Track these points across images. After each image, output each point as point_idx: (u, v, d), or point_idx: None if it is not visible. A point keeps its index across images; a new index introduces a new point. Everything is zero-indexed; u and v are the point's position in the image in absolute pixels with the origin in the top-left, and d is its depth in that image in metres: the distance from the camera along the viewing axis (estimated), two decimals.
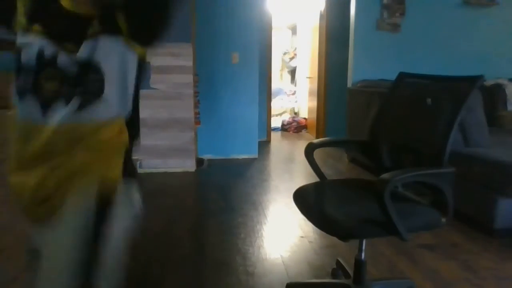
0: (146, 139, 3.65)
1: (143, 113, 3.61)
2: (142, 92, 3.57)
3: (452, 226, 2.38)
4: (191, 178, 3.60)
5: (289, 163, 4.42)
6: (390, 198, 1.16)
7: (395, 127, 1.64)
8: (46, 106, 0.77)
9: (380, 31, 4.13)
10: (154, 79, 3.60)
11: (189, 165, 3.76)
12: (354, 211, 1.35)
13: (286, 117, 6.71)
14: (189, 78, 3.67)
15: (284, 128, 6.41)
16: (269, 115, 5.41)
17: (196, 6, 3.83)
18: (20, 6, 0.81)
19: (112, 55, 0.79)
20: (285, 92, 7.55)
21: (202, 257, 2.03)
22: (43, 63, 0.77)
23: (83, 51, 0.77)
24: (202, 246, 2.17)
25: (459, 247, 2.14)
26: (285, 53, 7.87)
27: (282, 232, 2.37)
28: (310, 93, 5.94)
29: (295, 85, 7.60)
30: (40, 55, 0.77)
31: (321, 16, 5.26)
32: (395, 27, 4.14)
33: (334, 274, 1.82)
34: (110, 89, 0.79)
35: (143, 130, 3.60)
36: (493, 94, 3.60)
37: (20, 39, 0.81)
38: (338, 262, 1.84)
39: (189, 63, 3.65)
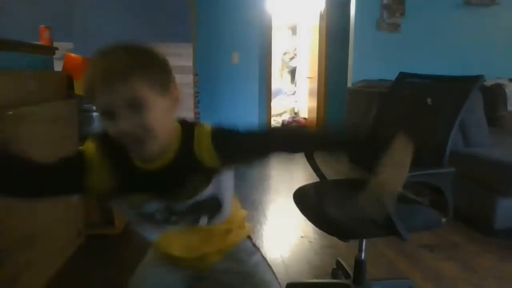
0: None
1: None
2: None
3: (452, 226, 2.38)
4: None
5: (289, 163, 4.41)
6: None
7: (395, 127, 1.64)
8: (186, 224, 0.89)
9: (380, 31, 4.12)
10: None
11: None
12: (354, 211, 1.35)
13: (286, 117, 6.71)
14: (189, 78, 3.67)
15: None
16: (269, 115, 5.41)
17: (196, 7, 3.84)
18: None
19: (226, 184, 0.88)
20: (285, 92, 7.55)
21: None
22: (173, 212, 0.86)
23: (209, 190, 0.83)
24: None
25: (459, 247, 2.14)
26: (285, 53, 7.86)
27: (282, 232, 2.37)
28: (310, 93, 5.93)
29: (295, 85, 7.60)
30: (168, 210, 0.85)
31: (321, 16, 5.26)
32: (395, 27, 4.14)
33: (334, 274, 1.82)
34: (225, 205, 0.89)
35: None
36: (493, 94, 3.60)
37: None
38: (338, 262, 1.84)
39: (189, 63, 3.65)
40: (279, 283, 0.98)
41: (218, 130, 0.80)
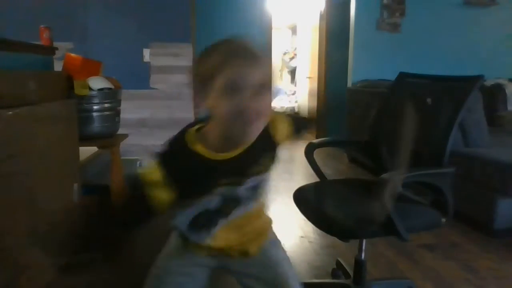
0: (146, 139, 3.65)
1: (143, 113, 3.61)
2: (142, 92, 3.58)
3: (452, 226, 2.38)
4: None
5: (289, 163, 4.41)
6: None
7: (395, 127, 1.64)
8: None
9: (380, 31, 4.13)
10: (154, 79, 3.60)
11: None
12: (354, 211, 1.35)
13: None
14: (189, 78, 3.67)
15: None
16: None
17: (196, 6, 3.84)
18: None
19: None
20: (285, 92, 7.55)
21: None
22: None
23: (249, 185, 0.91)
24: None
25: (459, 247, 2.14)
26: (285, 53, 7.87)
27: (282, 232, 2.36)
28: (310, 93, 5.93)
29: (295, 85, 7.60)
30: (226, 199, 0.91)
31: (321, 16, 5.26)
32: (395, 27, 4.14)
33: (334, 274, 1.82)
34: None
35: (143, 130, 3.60)
36: (493, 94, 3.60)
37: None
38: (338, 262, 1.84)
39: (189, 63, 3.65)
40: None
41: (290, 118, 0.99)
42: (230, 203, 0.92)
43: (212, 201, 0.89)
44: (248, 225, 0.99)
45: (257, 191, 0.95)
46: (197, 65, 0.81)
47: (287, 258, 1.07)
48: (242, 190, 0.90)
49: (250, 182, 0.90)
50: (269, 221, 1.10)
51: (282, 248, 1.09)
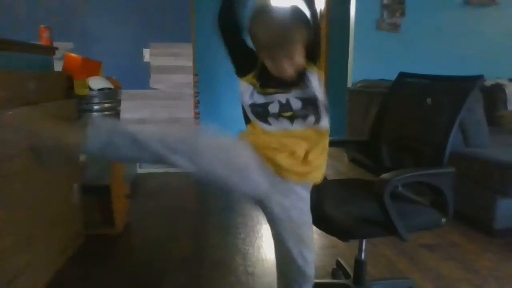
0: None
1: (143, 113, 3.62)
2: (142, 92, 3.58)
3: (452, 226, 2.38)
4: (191, 178, 3.59)
5: None
6: (390, 198, 1.16)
7: (395, 127, 1.64)
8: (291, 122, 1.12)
9: (380, 31, 4.13)
10: (154, 79, 3.60)
11: None
12: (354, 211, 1.35)
13: None
14: (189, 78, 3.67)
15: None
16: None
17: (196, 6, 3.84)
18: (251, 78, 1.15)
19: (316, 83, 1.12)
20: None
21: (202, 257, 2.02)
22: (284, 108, 1.12)
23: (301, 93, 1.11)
24: (202, 246, 2.16)
25: (459, 247, 2.14)
26: None
27: None
28: None
29: None
30: (280, 104, 1.12)
31: (321, 16, 5.26)
32: (395, 27, 4.14)
33: (334, 274, 1.82)
34: (323, 117, 1.13)
35: None
36: (493, 94, 3.60)
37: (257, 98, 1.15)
38: (338, 262, 1.84)
39: (189, 63, 3.65)
40: None
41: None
42: (286, 108, 1.10)
43: (273, 102, 1.11)
44: (299, 144, 1.11)
45: (308, 108, 1.10)
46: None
47: (309, 222, 1.19)
48: (291, 98, 1.10)
49: (295, 94, 1.10)
50: (319, 165, 1.17)
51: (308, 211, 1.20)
